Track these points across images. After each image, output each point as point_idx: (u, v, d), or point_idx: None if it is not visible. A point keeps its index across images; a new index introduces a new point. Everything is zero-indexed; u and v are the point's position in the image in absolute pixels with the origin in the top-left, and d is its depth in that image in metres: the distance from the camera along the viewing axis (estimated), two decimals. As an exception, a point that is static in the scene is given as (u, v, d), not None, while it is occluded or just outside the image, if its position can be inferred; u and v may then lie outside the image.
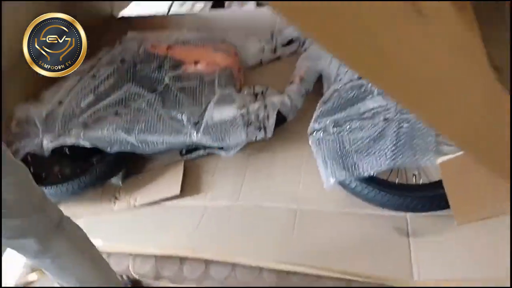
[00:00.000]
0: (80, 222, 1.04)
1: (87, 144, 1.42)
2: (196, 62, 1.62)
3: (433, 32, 0.71)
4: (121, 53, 1.73)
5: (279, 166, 1.44)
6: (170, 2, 2.80)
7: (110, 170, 1.47)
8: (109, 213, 1.44)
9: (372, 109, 1.30)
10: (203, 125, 1.40)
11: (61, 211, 0.94)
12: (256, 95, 1.50)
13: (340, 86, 1.41)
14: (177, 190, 1.40)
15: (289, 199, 1.33)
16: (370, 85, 1.36)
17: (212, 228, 1.31)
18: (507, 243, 0.99)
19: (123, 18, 2.32)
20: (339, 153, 1.24)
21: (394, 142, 1.19)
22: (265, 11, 2.23)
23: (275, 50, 1.88)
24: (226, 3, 2.64)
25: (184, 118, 1.43)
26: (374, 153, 1.20)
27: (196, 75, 1.56)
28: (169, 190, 1.41)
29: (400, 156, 1.17)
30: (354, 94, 1.37)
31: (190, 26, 1.99)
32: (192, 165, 1.52)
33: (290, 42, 1.86)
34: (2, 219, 0.79)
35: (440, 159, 1.03)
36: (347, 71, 1.46)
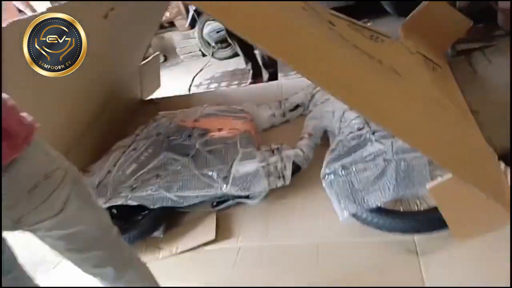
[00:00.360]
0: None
1: (134, 203, 1.67)
2: (219, 129, 1.93)
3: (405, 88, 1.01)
4: (156, 128, 2.06)
5: (299, 209, 1.66)
6: (190, 83, 3.24)
7: (154, 225, 1.70)
8: (155, 260, 1.64)
9: (373, 153, 1.56)
10: (231, 178, 1.66)
11: (131, 247, 1.17)
12: (273, 151, 1.78)
13: (343, 137, 1.69)
14: (212, 235, 1.62)
15: (311, 235, 1.53)
16: (368, 134, 1.64)
17: (246, 265, 1.50)
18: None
19: (152, 100, 2.72)
20: (349, 190, 1.47)
21: (394, 177, 1.43)
22: (273, 84, 2.62)
23: (284, 115, 2.22)
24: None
25: (214, 174, 1.70)
26: (379, 188, 1.44)
27: (221, 139, 1.85)
28: (204, 236, 1.63)
29: (401, 188, 1.40)
30: (356, 142, 1.64)
31: (210, 101, 2.36)
32: (224, 214, 1.75)
33: (296, 107, 2.19)
34: (90, 251, 1.02)
35: (429, 185, 1.25)
36: (347, 125, 1.75)
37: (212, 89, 3.20)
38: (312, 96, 2.10)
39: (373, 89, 1.23)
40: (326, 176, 1.56)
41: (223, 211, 1.76)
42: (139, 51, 2.48)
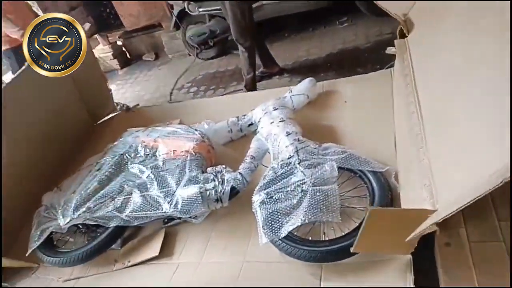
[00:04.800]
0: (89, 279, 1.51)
1: (91, 222, 1.92)
2: (174, 151, 2.13)
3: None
4: (122, 145, 2.29)
5: (237, 231, 1.87)
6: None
7: (111, 239, 1.95)
8: (110, 271, 1.91)
9: (295, 182, 1.74)
10: (174, 201, 1.87)
11: None
12: (216, 174, 1.97)
13: (276, 164, 1.86)
14: (156, 252, 1.87)
15: (239, 253, 1.74)
16: (295, 163, 1.80)
17: (181, 279, 1.74)
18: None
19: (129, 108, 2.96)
20: (270, 218, 1.66)
21: (306, 206, 1.60)
22: (238, 96, 2.78)
23: (241, 130, 2.39)
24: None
25: (161, 197, 1.91)
26: (293, 216, 1.62)
27: (173, 162, 2.06)
28: (151, 252, 1.88)
29: (309, 216, 1.57)
30: (284, 170, 1.82)
31: (181, 113, 2.56)
32: (173, 230, 1.98)
33: (250, 124, 2.35)
34: None
35: (371, 207, 1.37)
36: (281, 151, 1.92)
37: (188, 98, 3.36)
38: (265, 114, 2.24)
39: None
40: (254, 202, 1.75)
41: (172, 227, 1.99)
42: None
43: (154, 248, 1.90)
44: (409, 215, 1.24)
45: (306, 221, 1.56)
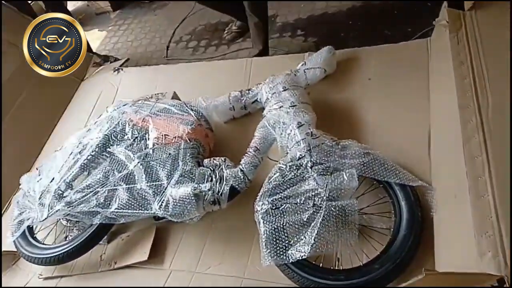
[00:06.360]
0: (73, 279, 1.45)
1: (73, 219, 1.69)
2: (165, 136, 1.82)
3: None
4: (107, 122, 1.97)
5: (235, 237, 1.64)
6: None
7: (95, 237, 1.73)
8: (95, 271, 1.73)
9: (306, 191, 1.46)
10: (164, 202, 1.61)
11: None
12: (214, 168, 1.69)
13: (284, 164, 1.57)
14: (145, 256, 1.66)
15: (237, 269, 1.53)
16: (307, 166, 1.51)
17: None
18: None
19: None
20: (274, 236, 1.41)
21: (317, 231, 1.34)
22: (242, 61, 2.39)
23: (244, 107, 2.06)
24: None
25: (150, 193, 1.65)
26: (301, 240, 1.37)
27: (164, 150, 1.76)
28: (139, 256, 1.67)
29: (321, 244, 1.32)
30: (293, 174, 1.53)
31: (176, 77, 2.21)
32: (164, 229, 1.76)
33: (255, 101, 2.01)
34: None
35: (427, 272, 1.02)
36: (292, 147, 1.61)
37: (186, 55, 2.93)
38: (273, 94, 1.89)
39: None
40: (257, 212, 1.49)
41: (164, 225, 1.76)
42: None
43: (143, 250, 1.69)
44: (464, 280, 0.96)
45: (318, 251, 1.31)
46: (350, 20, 2.73)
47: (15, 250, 1.80)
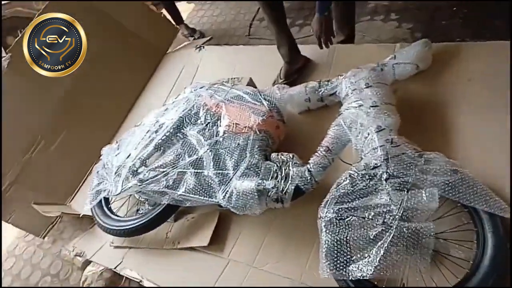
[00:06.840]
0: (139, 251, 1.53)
1: (143, 197, 1.78)
2: (237, 124, 1.80)
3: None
4: (184, 103, 2.01)
5: (296, 238, 1.59)
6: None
7: (163, 216, 1.81)
8: (160, 248, 1.83)
9: (376, 206, 1.34)
10: (228, 193, 1.61)
11: None
12: (281, 164, 1.63)
13: (355, 171, 1.45)
14: (206, 242, 1.70)
15: (293, 273, 1.49)
16: (382, 178, 1.37)
17: (228, 282, 1.58)
18: None
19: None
20: (335, 248, 1.33)
21: (383, 252, 1.23)
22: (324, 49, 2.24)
23: (321, 99, 1.95)
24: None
25: (216, 183, 1.66)
26: (364, 258, 1.27)
27: (233, 139, 1.74)
28: (200, 240, 1.72)
29: (386, 268, 1.22)
30: (365, 185, 1.41)
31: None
32: (226, 217, 1.77)
33: (333, 94, 1.88)
34: None
35: None
36: (367, 153, 1.48)
37: (267, 36, 2.83)
38: (353, 91, 1.73)
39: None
40: (321, 219, 1.42)
41: (227, 211, 1.77)
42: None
43: (204, 235, 1.74)
44: None
45: (382, 274, 1.21)
46: (454, 6, 2.37)
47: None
